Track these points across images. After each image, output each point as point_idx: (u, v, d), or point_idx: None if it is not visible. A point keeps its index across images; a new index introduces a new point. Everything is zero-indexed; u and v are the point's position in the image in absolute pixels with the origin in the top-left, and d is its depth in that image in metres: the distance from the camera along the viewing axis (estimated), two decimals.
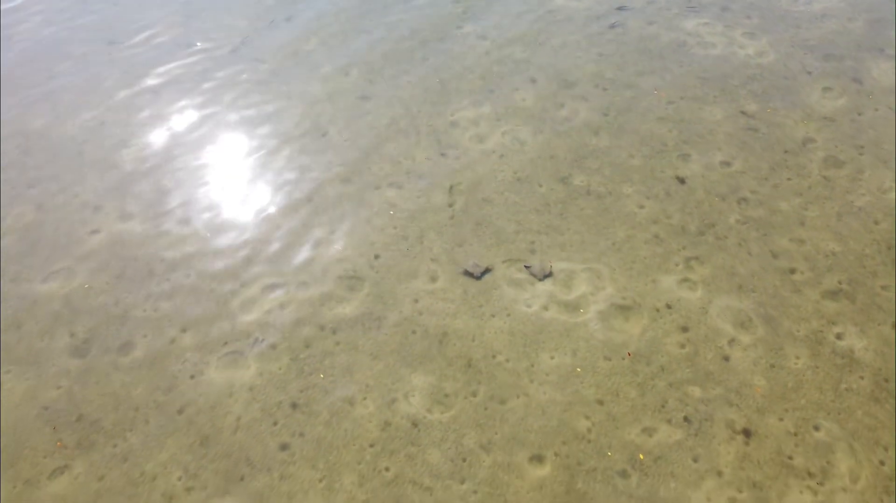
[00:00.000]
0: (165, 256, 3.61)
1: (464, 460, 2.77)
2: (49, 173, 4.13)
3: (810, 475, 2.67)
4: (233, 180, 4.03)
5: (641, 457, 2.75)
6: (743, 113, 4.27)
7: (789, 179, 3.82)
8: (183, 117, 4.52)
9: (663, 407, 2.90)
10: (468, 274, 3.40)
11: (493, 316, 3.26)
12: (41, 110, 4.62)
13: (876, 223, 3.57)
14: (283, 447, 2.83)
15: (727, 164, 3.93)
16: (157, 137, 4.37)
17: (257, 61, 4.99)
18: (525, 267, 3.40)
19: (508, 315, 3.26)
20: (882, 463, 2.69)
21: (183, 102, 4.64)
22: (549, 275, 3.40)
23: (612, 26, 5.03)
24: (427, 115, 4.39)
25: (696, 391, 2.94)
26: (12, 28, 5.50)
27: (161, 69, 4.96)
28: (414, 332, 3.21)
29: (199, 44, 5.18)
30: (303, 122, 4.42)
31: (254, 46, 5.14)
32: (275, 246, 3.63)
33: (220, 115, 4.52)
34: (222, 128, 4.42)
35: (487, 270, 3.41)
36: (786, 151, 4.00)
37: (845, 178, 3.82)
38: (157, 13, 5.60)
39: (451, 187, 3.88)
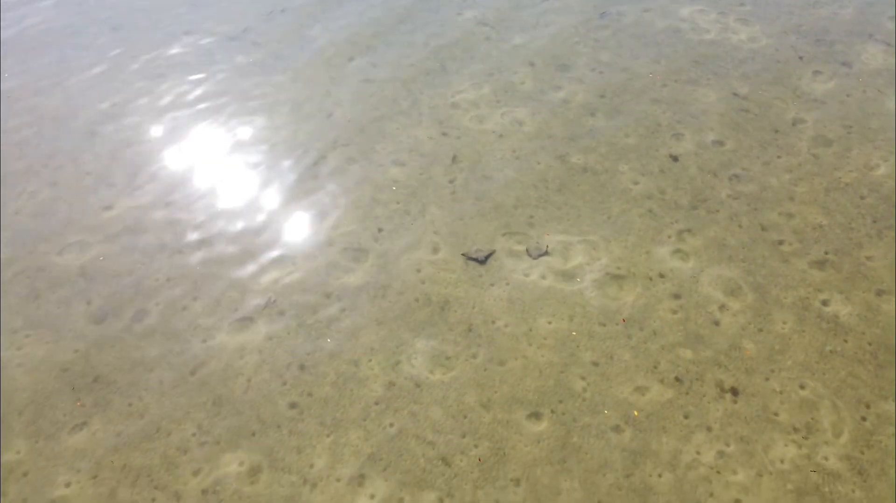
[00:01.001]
0: (176, 230, 3.75)
1: (465, 417, 2.90)
2: (63, 153, 4.26)
3: (795, 430, 2.80)
4: (241, 159, 4.17)
5: (635, 413, 2.88)
6: (735, 95, 4.40)
7: (779, 157, 3.96)
8: (192, 101, 4.65)
9: (655, 368, 3.03)
10: (472, 259, 3.50)
11: (492, 285, 3.39)
12: (54, 93, 4.75)
13: (862, 198, 3.70)
14: (292, 405, 2.97)
15: (719, 143, 4.07)
16: (168, 120, 4.50)
17: (264, 47, 5.12)
18: (526, 251, 3.50)
19: (507, 284, 3.39)
20: (863, 418, 2.82)
21: (192, 87, 4.78)
22: (544, 253, 3.51)
23: (604, 15, 5.16)
24: (429, 97, 4.53)
25: (687, 353, 3.07)
26: (25, 17, 5.63)
27: (171, 55, 5.09)
28: (416, 300, 3.34)
29: (205, 31, 5.32)
30: (309, 104, 4.55)
31: (259, 33, 5.28)
32: (282, 220, 3.76)
33: (228, 98, 4.66)
34: (230, 110, 4.55)
35: (491, 254, 3.51)
36: (776, 131, 4.13)
37: (833, 155, 3.95)
38: (164, 3, 5.73)
39: (452, 165, 4.02)
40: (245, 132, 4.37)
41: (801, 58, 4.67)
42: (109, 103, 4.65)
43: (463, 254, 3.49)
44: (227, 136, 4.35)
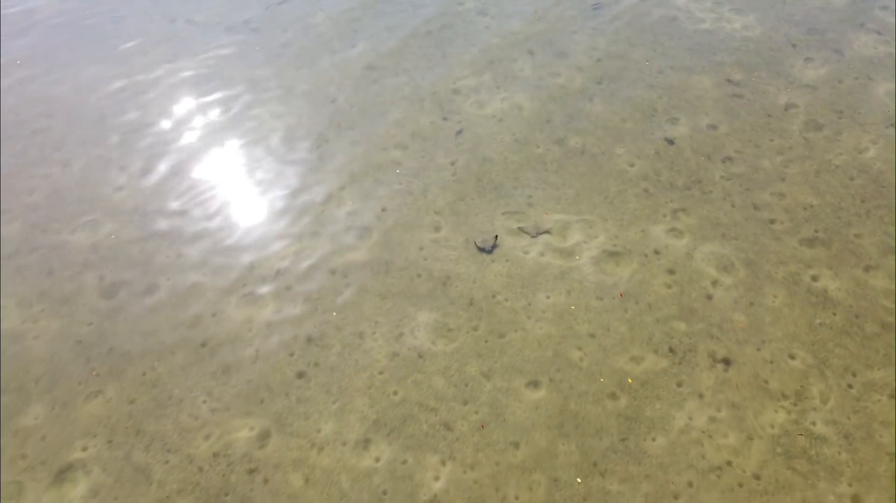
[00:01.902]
0: (185, 210, 3.85)
1: (466, 385, 3.00)
2: (74, 136, 4.36)
3: (784, 397, 2.91)
4: (245, 143, 4.27)
5: (630, 381, 2.99)
6: (729, 81, 4.51)
7: (771, 140, 4.06)
8: (197, 86, 4.75)
9: (650, 339, 3.14)
10: (479, 249, 3.58)
11: (492, 261, 3.50)
12: (64, 80, 4.85)
13: (852, 179, 3.81)
14: (300, 375, 3.07)
15: (713, 127, 4.17)
16: (175, 105, 4.60)
17: (268, 35, 5.22)
18: (519, 229, 3.60)
19: (507, 261, 3.50)
20: (850, 386, 2.93)
21: (197, 74, 4.88)
22: (543, 232, 3.61)
23: (597, 6, 5.27)
24: (430, 84, 4.63)
25: (681, 326, 3.18)
26: (35, 9, 5.73)
27: (175, 44, 5.19)
28: (419, 276, 3.45)
29: (209, 22, 5.42)
30: (313, 90, 4.65)
31: (264, 21, 5.38)
32: (288, 201, 3.86)
33: (232, 86, 4.76)
34: (234, 99, 4.65)
35: (496, 246, 3.59)
36: (769, 116, 4.23)
37: (824, 139, 4.06)
38: None
39: (453, 148, 4.12)
40: (250, 117, 4.47)
41: (793, 46, 4.78)
42: (118, 88, 4.75)
43: (477, 247, 3.55)
44: (231, 121, 4.46)
